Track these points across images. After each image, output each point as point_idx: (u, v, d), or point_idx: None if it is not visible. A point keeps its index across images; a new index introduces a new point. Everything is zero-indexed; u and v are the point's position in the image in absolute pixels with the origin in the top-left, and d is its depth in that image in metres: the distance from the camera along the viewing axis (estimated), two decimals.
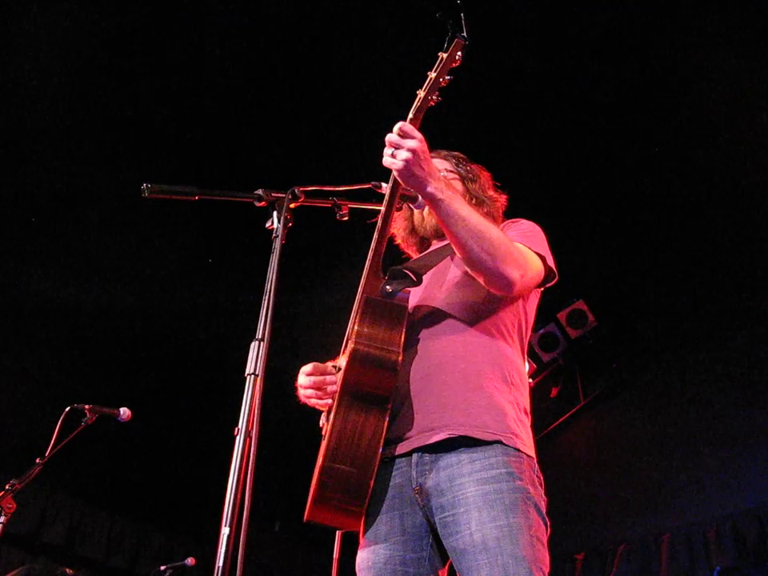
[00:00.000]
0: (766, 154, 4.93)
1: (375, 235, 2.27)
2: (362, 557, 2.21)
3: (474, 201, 2.59)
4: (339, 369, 2.44)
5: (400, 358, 2.13)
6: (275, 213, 2.09)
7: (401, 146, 2.04)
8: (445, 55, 2.08)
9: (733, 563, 5.13)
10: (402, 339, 2.16)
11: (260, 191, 2.12)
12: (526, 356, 2.46)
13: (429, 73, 2.12)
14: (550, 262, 2.36)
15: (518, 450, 2.14)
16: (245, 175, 5.15)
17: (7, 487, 3.48)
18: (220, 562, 1.61)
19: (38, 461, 3.59)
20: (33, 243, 6.02)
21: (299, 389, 2.42)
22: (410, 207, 2.64)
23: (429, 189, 2.08)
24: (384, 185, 2.39)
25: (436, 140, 2.31)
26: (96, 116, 5.31)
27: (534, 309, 2.50)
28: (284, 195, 2.11)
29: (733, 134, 4.92)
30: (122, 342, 6.68)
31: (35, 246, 6.04)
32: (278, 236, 2.04)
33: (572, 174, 5.44)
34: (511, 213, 2.72)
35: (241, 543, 1.64)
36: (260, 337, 1.86)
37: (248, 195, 2.13)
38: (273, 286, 1.93)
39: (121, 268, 6.19)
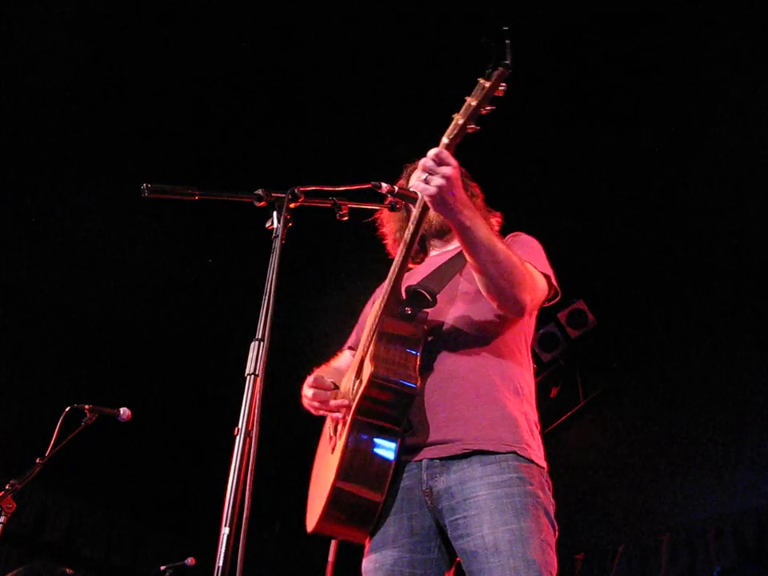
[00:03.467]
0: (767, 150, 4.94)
1: (399, 257, 2.26)
2: (370, 558, 2.23)
3: None
4: (337, 386, 2.47)
5: (418, 384, 2.16)
6: (275, 213, 2.09)
7: (435, 172, 2.01)
8: (487, 84, 1.98)
9: (733, 563, 5.13)
10: (418, 364, 2.20)
11: (260, 191, 2.11)
12: (531, 367, 2.48)
13: (467, 98, 2.03)
14: (554, 280, 2.39)
15: (530, 461, 2.17)
16: (245, 175, 5.16)
17: (7, 487, 3.48)
18: (220, 562, 1.61)
19: (38, 461, 3.58)
20: (33, 243, 6.02)
21: (304, 398, 2.45)
22: (407, 208, 2.63)
23: (459, 217, 2.07)
24: (384, 184, 2.38)
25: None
26: (96, 115, 5.31)
27: (534, 322, 2.55)
28: (284, 195, 2.11)
29: (733, 134, 4.92)
30: (122, 341, 6.68)
31: (35, 246, 6.04)
32: (277, 236, 2.04)
33: (572, 174, 5.44)
34: (514, 213, 2.72)
35: (241, 543, 1.64)
36: (260, 337, 1.86)
37: (248, 195, 2.12)
38: (273, 286, 1.93)
39: (121, 268, 6.19)
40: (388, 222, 2.79)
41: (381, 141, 5.35)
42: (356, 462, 2.14)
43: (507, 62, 1.97)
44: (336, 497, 2.14)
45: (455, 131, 2.04)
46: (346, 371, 2.55)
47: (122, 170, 5.35)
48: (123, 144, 5.43)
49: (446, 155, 2.02)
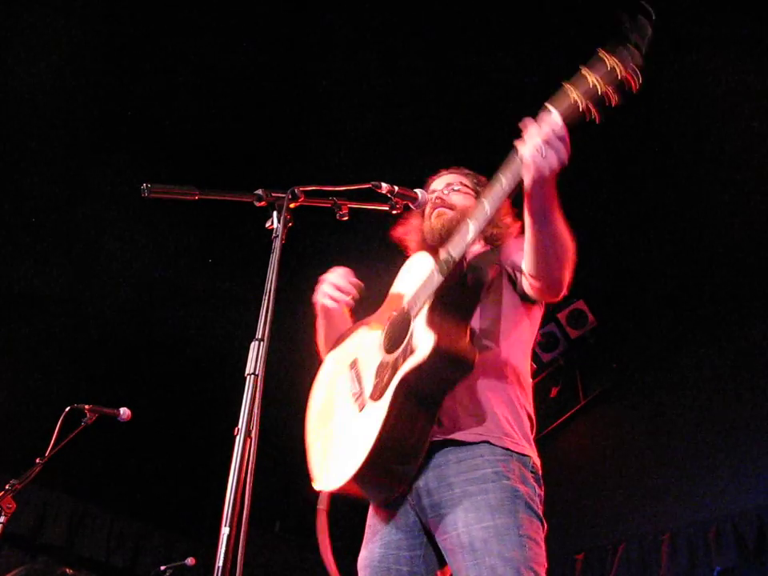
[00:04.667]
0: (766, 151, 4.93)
1: (475, 224, 2.11)
2: (362, 555, 2.25)
3: None
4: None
5: (477, 358, 2.10)
6: (275, 213, 2.09)
7: (557, 149, 1.84)
8: (613, 61, 1.74)
9: (733, 563, 5.12)
10: (468, 336, 2.14)
11: (260, 191, 2.12)
12: (529, 357, 2.44)
13: (582, 68, 1.79)
14: None
15: (508, 450, 2.13)
16: (245, 175, 5.15)
17: (7, 487, 3.48)
18: (220, 562, 1.61)
19: (38, 461, 3.58)
20: (33, 243, 6.02)
21: (325, 285, 2.49)
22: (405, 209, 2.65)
23: (548, 195, 2.00)
24: (384, 184, 2.39)
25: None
26: (95, 115, 5.31)
27: (540, 315, 2.50)
28: (284, 195, 2.11)
29: (733, 133, 4.92)
30: (122, 341, 6.68)
31: (35, 246, 6.04)
32: (277, 236, 2.04)
33: (571, 173, 5.43)
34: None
35: (241, 543, 1.64)
36: (260, 337, 1.86)
37: (248, 195, 2.13)
38: (273, 286, 1.93)
39: (121, 268, 6.19)
40: (409, 235, 2.76)
41: (381, 141, 5.36)
42: (397, 429, 2.08)
43: (641, 44, 1.74)
44: (374, 459, 2.08)
45: (568, 109, 1.83)
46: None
47: (122, 170, 5.35)
48: (123, 144, 5.43)
49: (565, 134, 1.84)
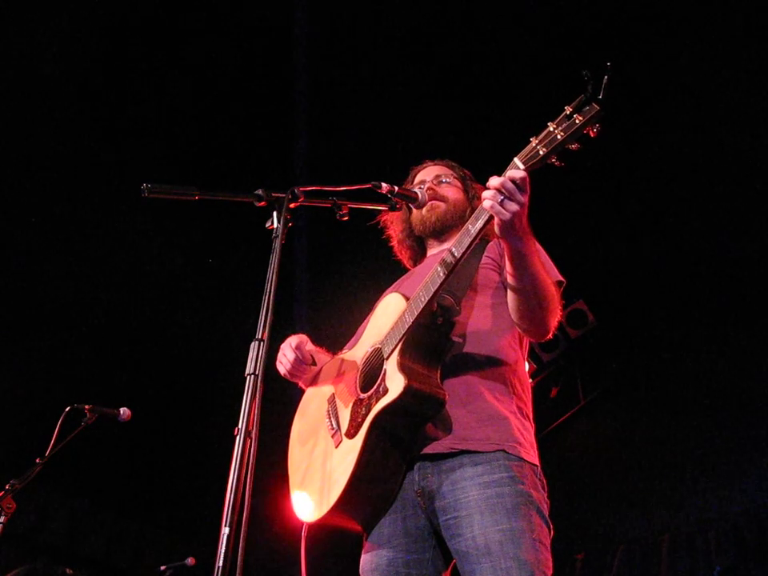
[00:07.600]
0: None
1: (444, 270, 2.15)
2: (366, 559, 2.25)
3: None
4: (315, 362, 2.54)
5: (447, 397, 2.15)
6: (275, 213, 2.09)
7: (514, 197, 1.93)
8: (579, 119, 1.89)
9: (733, 563, 5.12)
10: (439, 374, 2.19)
11: (260, 191, 2.12)
12: (526, 358, 2.49)
13: (550, 125, 1.93)
14: (563, 283, 2.40)
15: (521, 459, 2.17)
16: (245, 175, 5.16)
17: (7, 487, 3.47)
18: (220, 562, 1.61)
19: (38, 461, 3.58)
20: (33, 243, 6.02)
21: (281, 356, 2.52)
22: (408, 208, 2.67)
23: (518, 243, 2.04)
24: (384, 184, 2.39)
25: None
26: (96, 115, 5.31)
27: None
28: (284, 195, 2.11)
29: (733, 132, 4.92)
30: (122, 341, 6.68)
31: (35, 246, 6.04)
32: (277, 236, 2.05)
33: (571, 173, 5.43)
34: None
35: (241, 543, 1.64)
36: (260, 337, 1.87)
37: (248, 195, 2.13)
38: (273, 286, 1.94)
39: (121, 268, 6.19)
40: (392, 224, 2.82)
41: (380, 141, 5.36)
42: (371, 466, 2.15)
43: (601, 99, 1.89)
44: (350, 495, 2.16)
45: (534, 161, 1.94)
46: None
47: (122, 169, 5.35)
48: (123, 143, 5.43)
49: (526, 182, 1.95)
